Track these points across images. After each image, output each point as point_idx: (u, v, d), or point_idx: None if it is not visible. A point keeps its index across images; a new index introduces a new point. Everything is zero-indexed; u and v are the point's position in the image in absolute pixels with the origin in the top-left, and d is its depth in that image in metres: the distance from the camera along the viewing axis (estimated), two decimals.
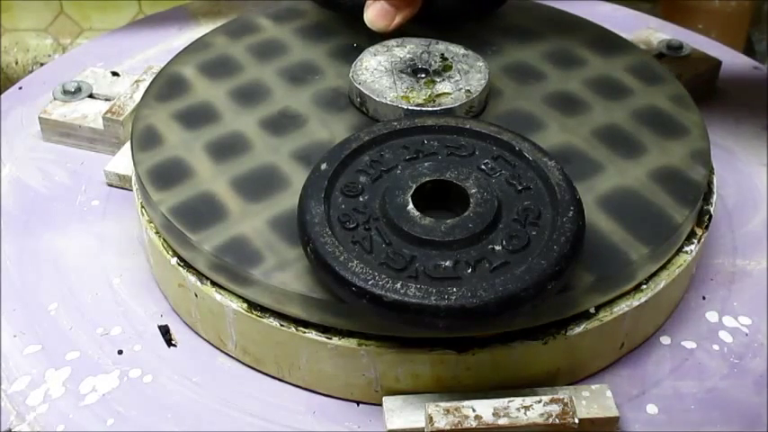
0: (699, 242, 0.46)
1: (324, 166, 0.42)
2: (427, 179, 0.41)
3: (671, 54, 0.62)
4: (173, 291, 0.46)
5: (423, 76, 0.49)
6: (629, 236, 0.43)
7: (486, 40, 0.55)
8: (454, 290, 0.36)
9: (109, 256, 0.50)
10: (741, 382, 0.44)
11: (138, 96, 0.55)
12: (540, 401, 0.39)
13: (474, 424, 0.38)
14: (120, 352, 0.45)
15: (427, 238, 0.39)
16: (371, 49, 0.51)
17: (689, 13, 1.07)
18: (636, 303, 0.42)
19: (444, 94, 0.48)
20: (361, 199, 0.41)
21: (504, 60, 0.54)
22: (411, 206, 0.40)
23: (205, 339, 0.45)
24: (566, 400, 0.39)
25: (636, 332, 0.44)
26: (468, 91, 0.48)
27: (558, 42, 0.56)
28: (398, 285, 0.37)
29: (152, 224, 0.46)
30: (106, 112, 0.55)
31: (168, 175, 0.46)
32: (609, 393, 0.41)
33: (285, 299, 0.40)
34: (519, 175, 0.42)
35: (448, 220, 0.40)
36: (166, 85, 0.52)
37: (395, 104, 0.47)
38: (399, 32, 0.52)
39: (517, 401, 0.39)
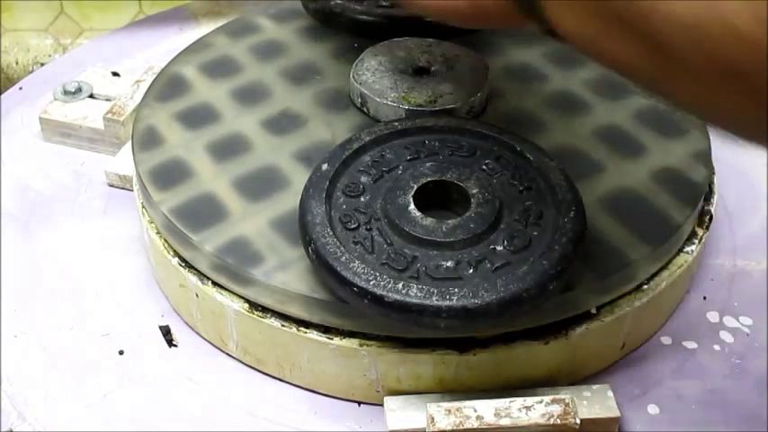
0: (699, 242, 0.46)
1: (325, 167, 0.42)
2: (428, 179, 0.41)
3: None
4: (173, 291, 0.46)
5: (424, 76, 0.49)
6: (631, 236, 0.43)
7: (486, 41, 0.55)
8: (456, 290, 0.36)
9: (110, 257, 0.50)
10: (742, 382, 0.44)
11: (138, 96, 0.55)
12: (541, 402, 0.39)
13: (475, 424, 0.38)
14: (121, 352, 0.45)
15: (429, 239, 0.39)
16: (372, 49, 0.51)
17: None
18: (637, 303, 0.42)
19: (445, 94, 0.48)
20: (362, 199, 0.41)
21: (504, 60, 0.54)
22: (412, 206, 0.40)
23: (206, 340, 0.45)
24: (567, 401, 0.39)
25: (637, 332, 0.44)
26: (469, 91, 0.48)
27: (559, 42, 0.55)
28: (400, 286, 0.37)
29: (153, 224, 0.46)
30: (107, 113, 0.55)
31: (169, 175, 0.46)
32: (610, 393, 0.41)
33: (286, 299, 0.40)
34: (520, 176, 0.42)
35: (449, 221, 0.40)
36: (167, 86, 0.52)
37: (396, 105, 0.47)
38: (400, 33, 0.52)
39: (518, 402, 0.39)
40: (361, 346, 0.40)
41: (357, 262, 0.37)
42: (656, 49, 0.27)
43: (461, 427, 0.38)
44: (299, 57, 0.54)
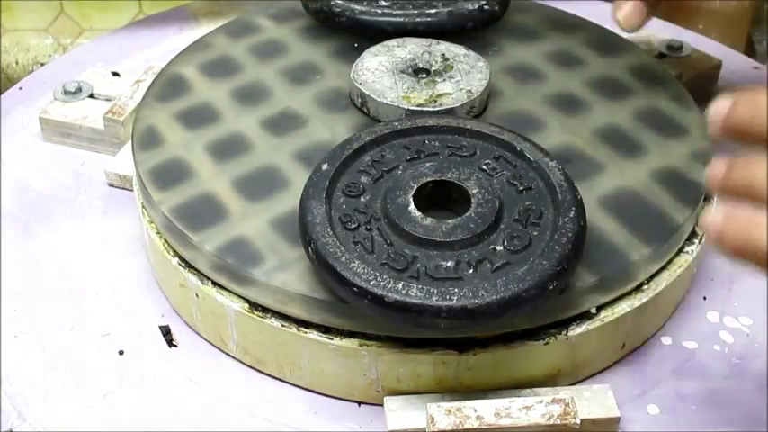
0: (699, 242, 0.46)
1: (325, 167, 0.42)
2: (428, 179, 0.41)
3: (671, 54, 0.62)
4: (174, 291, 0.46)
5: (424, 76, 0.49)
6: (631, 236, 0.43)
7: (486, 41, 0.55)
8: (456, 290, 0.36)
9: (110, 257, 0.50)
10: (742, 382, 0.44)
11: (138, 96, 0.55)
12: (541, 402, 0.39)
13: (475, 424, 0.38)
14: (121, 352, 0.45)
15: (429, 239, 0.39)
16: (372, 49, 0.51)
17: (689, 13, 1.06)
18: (637, 303, 0.42)
19: (445, 94, 0.48)
20: (362, 199, 0.41)
21: (504, 60, 0.54)
22: (412, 206, 0.40)
23: (206, 340, 0.45)
24: (567, 401, 0.39)
25: (637, 332, 0.44)
26: (470, 91, 0.48)
27: (559, 43, 0.56)
28: (400, 286, 0.37)
29: (153, 224, 0.46)
30: (107, 113, 0.55)
31: (169, 175, 0.46)
32: (610, 393, 0.41)
33: (286, 299, 0.40)
34: (520, 176, 0.42)
35: (449, 221, 0.40)
36: (167, 86, 0.52)
37: (396, 105, 0.47)
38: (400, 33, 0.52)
39: (518, 402, 0.39)
40: (361, 346, 0.40)
41: (357, 262, 0.37)
42: None
43: (461, 427, 0.38)
44: (299, 57, 0.54)
